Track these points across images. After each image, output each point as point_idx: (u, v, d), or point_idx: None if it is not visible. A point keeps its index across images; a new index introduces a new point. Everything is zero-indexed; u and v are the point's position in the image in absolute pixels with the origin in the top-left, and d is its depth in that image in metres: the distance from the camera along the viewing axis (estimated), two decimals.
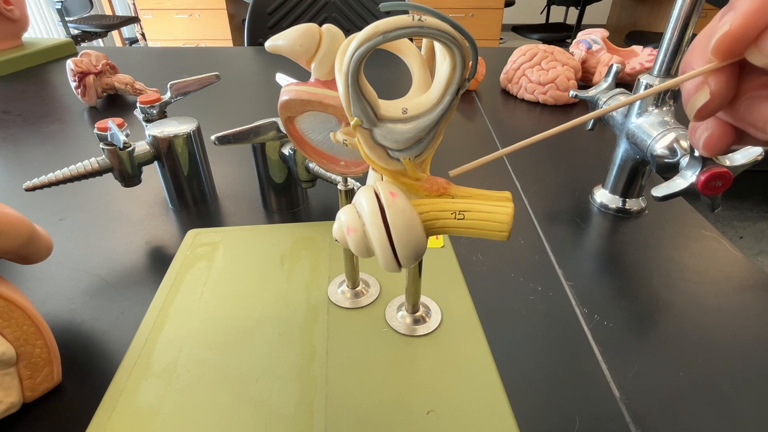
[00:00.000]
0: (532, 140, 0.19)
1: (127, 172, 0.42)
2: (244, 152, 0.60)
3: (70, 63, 0.71)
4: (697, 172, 0.34)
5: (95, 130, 0.41)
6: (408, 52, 0.23)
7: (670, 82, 0.18)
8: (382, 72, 0.95)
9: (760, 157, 0.34)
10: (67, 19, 2.86)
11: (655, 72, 0.41)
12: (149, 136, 0.44)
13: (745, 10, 0.16)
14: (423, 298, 0.32)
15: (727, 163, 0.34)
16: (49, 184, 0.40)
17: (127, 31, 3.64)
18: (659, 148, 0.39)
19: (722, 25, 0.16)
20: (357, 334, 0.30)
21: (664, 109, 0.41)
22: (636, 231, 0.45)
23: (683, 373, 0.30)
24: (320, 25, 0.23)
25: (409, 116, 0.20)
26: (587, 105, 0.49)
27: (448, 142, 0.63)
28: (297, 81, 0.25)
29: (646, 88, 0.41)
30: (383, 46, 0.18)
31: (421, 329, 0.30)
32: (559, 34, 2.98)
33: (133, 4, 3.21)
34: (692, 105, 0.18)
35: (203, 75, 0.52)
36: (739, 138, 0.19)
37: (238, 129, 0.39)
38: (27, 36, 1.05)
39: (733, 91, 0.18)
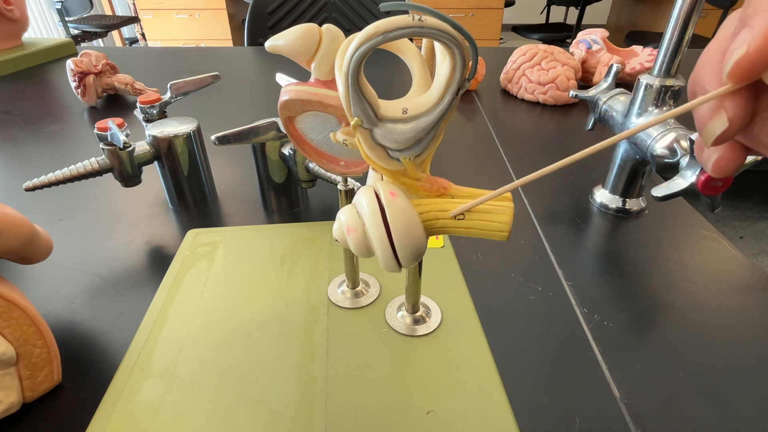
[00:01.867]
0: (558, 165, 0.18)
1: (127, 172, 0.42)
2: (244, 152, 0.60)
3: (70, 63, 0.71)
4: (697, 172, 0.34)
5: (95, 130, 0.41)
6: (408, 52, 0.23)
7: (684, 107, 0.17)
8: (382, 72, 0.95)
9: (760, 158, 0.34)
10: (67, 19, 2.86)
11: (655, 72, 0.41)
12: (149, 136, 0.44)
13: (765, 30, 0.14)
14: (423, 298, 0.32)
15: None
16: (49, 184, 0.40)
17: (127, 31, 3.64)
18: (659, 148, 0.39)
19: (738, 45, 0.15)
20: (357, 334, 0.30)
21: (664, 109, 0.41)
22: (636, 231, 0.45)
23: (683, 373, 0.30)
24: (320, 25, 0.23)
25: (409, 116, 0.20)
26: (587, 105, 0.49)
27: (448, 142, 0.63)
28: (297, 81, 0.25)
29: (646, 88, 0.41)
30: (383, 46, 0.18)
31: (421, 329, 0.30)
32: (559, 34, 2.98)
33: (133, 4, 3.21)
34: (709, 132, 0.17)
35: (203, 75, 0.52)
36: (748, 152, 0.18)
37: (238, 129, 0.39)
38: (27, 36, 1.05)
39: (750, 115, 0.17)
